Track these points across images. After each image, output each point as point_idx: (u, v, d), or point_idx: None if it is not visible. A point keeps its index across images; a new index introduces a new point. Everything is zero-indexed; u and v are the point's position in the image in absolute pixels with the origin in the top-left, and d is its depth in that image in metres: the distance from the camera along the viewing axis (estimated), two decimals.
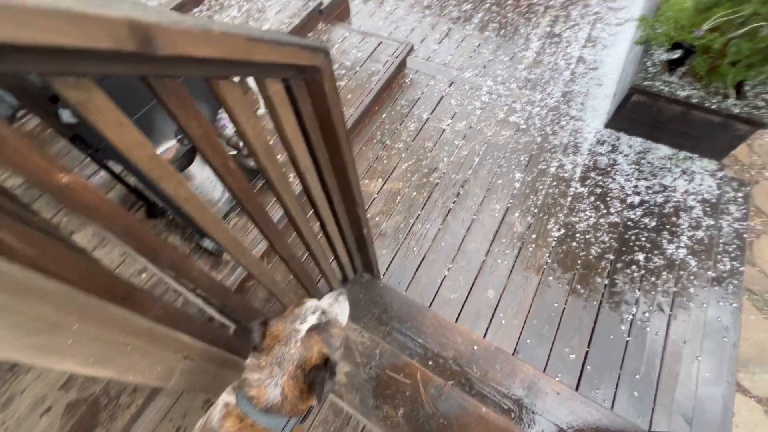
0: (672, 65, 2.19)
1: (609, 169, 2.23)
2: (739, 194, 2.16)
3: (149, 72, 0.50)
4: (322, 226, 1.21)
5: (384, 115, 2.60)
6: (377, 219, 2.14)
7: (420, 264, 1.96)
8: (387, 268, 1.97)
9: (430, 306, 1.81)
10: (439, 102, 2.65)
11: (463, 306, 1.83)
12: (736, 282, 1.91)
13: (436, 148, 2.41)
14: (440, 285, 1.89)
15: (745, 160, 2.59)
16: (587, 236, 2.00)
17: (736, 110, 1.93)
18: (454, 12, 3.32)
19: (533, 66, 2.83)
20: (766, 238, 2.28)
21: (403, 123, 2.55)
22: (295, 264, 1.11)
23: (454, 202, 2.17)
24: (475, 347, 1.54)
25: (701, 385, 1.61)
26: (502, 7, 3.31)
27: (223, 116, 1.82)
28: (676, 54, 2.15)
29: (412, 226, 2.10)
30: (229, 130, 1.79)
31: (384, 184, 2.28)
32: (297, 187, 1.14)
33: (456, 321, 1.78)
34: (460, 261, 1.96)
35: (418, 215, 2.15)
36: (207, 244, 1.74)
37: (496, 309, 1.81)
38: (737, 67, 1.78)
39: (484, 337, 1.72)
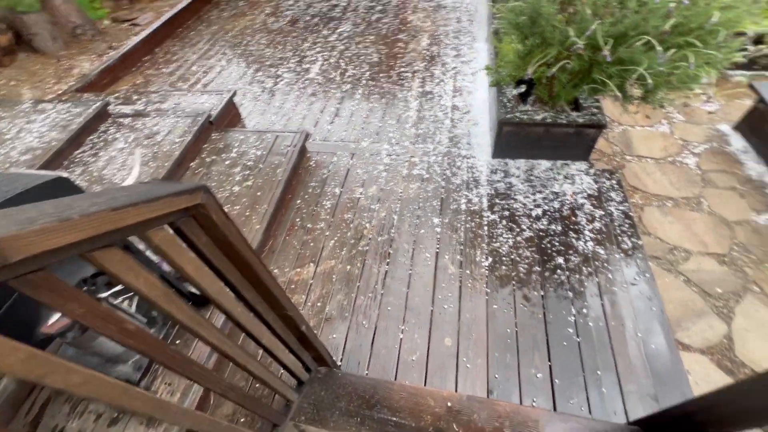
0: (522, 97, 2.62)
1: (508, 192, 2.50)
2: (613, 181, 2.54)
3: (6, 277, 0.48)
4: (258, 342, 1.15)
5: (299, 201, 2.66)
6: (319, 304, 2.10)
7: (374, 336, 1.93)
8: (343, 352, 1.90)
9: (395, 377, 1.76)
10: (346, 175, 2.80)
11: (427, 364, 1.81)
12: (641, 255, 2.17)
13: (356, 217, 2.50)
14: (399, 350, 1.87)
15: (608, 151, 3.09)
16: (512, 257, 2.17)
17: (581, 120, 2.34)
18: (337, 93, 3.65)
19: (418, 122, 3.18)
20: (648, 209, 2.67)
21: (319, 203, 2.62)
22: (235, 395, 1.03)
23: (387, 263, 2.23)
24: (449, 403, 1.51)
25: (651, 359, 1.75)
26: (376, 80, 3.73)
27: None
28: (522, 88, 2.59)
29: (356, 299, 2.09)
30: (165, 266, 1.68)
31: (317, 267, 2.27)
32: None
33: (425, 383, 1.74)
34: (410, 319, 1.97)
35: (358, 287, 2.15)
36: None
37: (458, 355, 1.82)
38: (566, 88, 2.20)
39: (455, 389, 1.70)
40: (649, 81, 1.70)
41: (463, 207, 2.46)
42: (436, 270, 2.17)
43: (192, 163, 2.80)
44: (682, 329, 2.10)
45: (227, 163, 2.77)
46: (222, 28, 5.02)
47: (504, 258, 2.17)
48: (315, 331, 1.96)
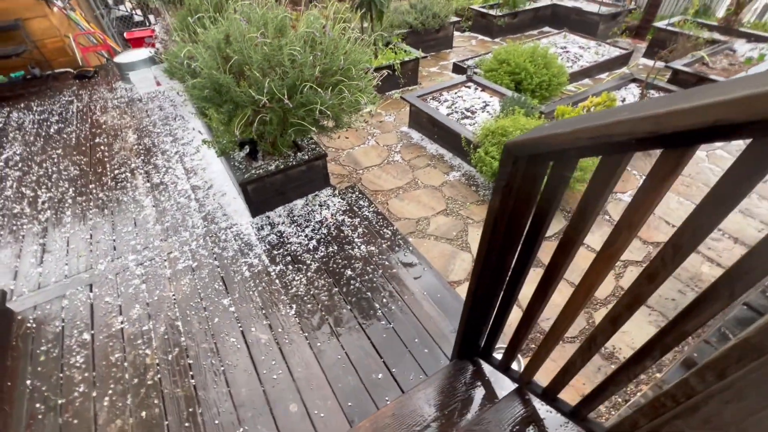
0: (251, 155, 2.78)
1: (282, 239, 2.59)
2: (356, 193, 3.04)
3: None
4: None
5: (30, 381, 1.91)
6: None
7: None
8: None
9: None
10: (92, 311, 2.22)
11: None
12: (400, 236, 2.67)
13: (129, 350, 2.01)
14: None
15: (344, 172, 3.67)
16: (312, 292, 2.25)
17: (306, 157, 2.69)
18: (33, 227, 2.84)
19: (161, 217, 2.86)
20: (391, 201, 3.32)
21: (65, 365, 1.96)
22: None
23: (192, 377, 1.89)
24: None
25: (440, 306, 2.17)
26: (86, 194, 3.13)
27: None
28: (247, 149, 2.75)
29: None
30: None
31: None
32: None
33: None
34: (246, 416, 1.74)
35: (168, 426, 1.73)
36: None
37: (308, 414, 1.73)
38: (283, 138, 2.48)
39: None
40: (329, 113, 2.13)
41: (247, 273, 2.38)
42: (249, 349, 2.00)
43: None
44: (449, 272, 2.70)
45: None
46: None
47: (305, 297, 2.23)
48: None
